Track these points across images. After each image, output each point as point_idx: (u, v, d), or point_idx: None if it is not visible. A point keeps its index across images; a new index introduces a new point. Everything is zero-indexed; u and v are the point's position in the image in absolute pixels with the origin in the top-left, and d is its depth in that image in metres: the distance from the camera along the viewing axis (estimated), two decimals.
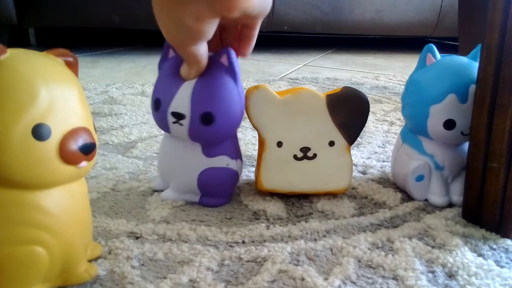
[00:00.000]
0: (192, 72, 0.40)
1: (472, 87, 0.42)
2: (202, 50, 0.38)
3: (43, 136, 0.27)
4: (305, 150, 0.46)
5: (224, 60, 0.40)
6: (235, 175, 0.45)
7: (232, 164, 0.45)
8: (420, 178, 0.47)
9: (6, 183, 0.27)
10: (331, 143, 0.46)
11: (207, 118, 0.40)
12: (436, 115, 0.44)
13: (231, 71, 0.40)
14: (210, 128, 0.40)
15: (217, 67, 0.40)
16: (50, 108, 0.27)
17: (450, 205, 0.47)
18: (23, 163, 0.26)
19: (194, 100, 0.40)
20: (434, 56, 0.46)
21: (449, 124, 0.44)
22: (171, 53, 0.42)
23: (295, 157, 0.46)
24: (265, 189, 0.47)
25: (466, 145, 0.44)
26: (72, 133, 0.28)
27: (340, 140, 0.46)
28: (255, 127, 0.46)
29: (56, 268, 0.30)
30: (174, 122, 0.41)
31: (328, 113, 0.45)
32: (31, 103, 0.27)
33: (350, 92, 0.45)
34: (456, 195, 0.47)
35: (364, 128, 0.73)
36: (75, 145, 0.28)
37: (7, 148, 0.26)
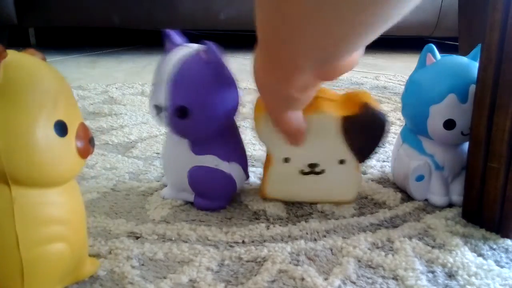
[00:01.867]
0: (295, 142, 0.40)
1: (472, 87, 0.42)
2: (297, 117, 0.37)
3: (63, 132, 0.28)
4: (313, 166, 0.44)
5: (204, 54, 0.40)
6: (228, 178, 0.44)
7: (222, 165, 0.43)
8: (420, 178, 0.47)
9: (33, 182, 0.27)
10: (342, 162, 0.44)
11: (182, 112, 0.40)
12: (436, 115, 0.44)
13: (214, 68, 0.40)
14: (186, 122, 0.40)
15: (197, 61, 0.40)
16: (62, 105, 0.28)
17: (450, 205, 0.47)
18: (50, 160, 0.27)
19: (170, 94, 0.40)
20: (434, 56, 0.46)
21: (449, 124, 0.44)
22: (169, 46, 0.43)
23: (302, 171, 0.44)
24: (269, 197, 0.47)
25: (466, 145, 0.44)
26: (81, 128, 0.29)
27: (351, 159, 0.44)
28: (263, 143, 0.45)
29: (72, 264, 0.31)
30: (156, 115, 0.42)
31: (343, 135, 0.42)
32: (48, 100, 0.27)
33: (369, 116, 0.41)
34: (456, 195, 0.47)
35: None
36: (86, 139, 0.29)
37: (35, 147, 0.26)
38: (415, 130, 0.48)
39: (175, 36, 0.43)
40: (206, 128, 0.41)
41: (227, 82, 0.41)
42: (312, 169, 0.44)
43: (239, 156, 0.45)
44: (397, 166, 0.50)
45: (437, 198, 0.47)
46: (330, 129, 0.42)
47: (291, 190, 0.46)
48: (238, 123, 0.47)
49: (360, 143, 0.42)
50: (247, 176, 0.48)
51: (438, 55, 0.46)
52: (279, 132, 0.38)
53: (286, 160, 0.44)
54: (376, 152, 0.43)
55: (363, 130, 0.42)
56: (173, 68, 0.40)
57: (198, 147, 0.43)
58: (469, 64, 0.44)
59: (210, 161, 0.43)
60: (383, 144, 0.44)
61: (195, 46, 0.42)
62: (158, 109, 0.41)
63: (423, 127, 0.46)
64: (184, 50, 0.41)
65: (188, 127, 0.41)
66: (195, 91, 0.40)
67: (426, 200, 0.48)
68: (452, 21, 1.38)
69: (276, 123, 0.37)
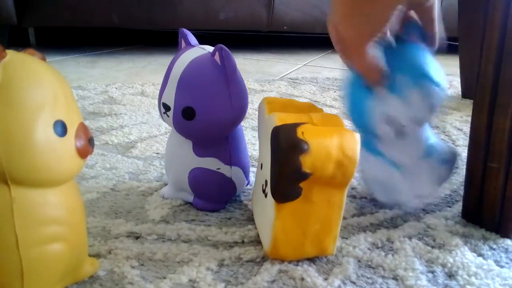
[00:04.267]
0: (371, 79, 0.41)
1: (399, 77, 0.40)
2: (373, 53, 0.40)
3: (63, 132, 0.27)
4: (266, 184, 0.36)
5: (216, 57, 0.40)
6: (229, 181, 0.44)
7: (224, 169, 0.43)
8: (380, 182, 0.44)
9: (32, 183, 0.27)
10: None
11: (188, 113, 0.40)
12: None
13: (223, 71, 0.39)
14: (192, 123, 0.40)
15: (209, 64, 0.40)
16: (61, 105, 0.28)
17: (450, 205, 0.47)
18: (50, 160, 0.27)
19: (178, 93, 0.40)
20: None
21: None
22: (183, 45, 0.43)
23: (262, 187, 0.38)
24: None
25: (412, 136, 0.42)
26: (80, 128, 0.29)
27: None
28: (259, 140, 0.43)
29: (72, 264, 0.31)
30: (164, 113, 0.42)
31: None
32: (48, 100, 0.27)
33: (275, 130, 0.33)
34: (423, 189, 0.43)
35: None
36: (85, 139, 0.29)
37: (34, 147, 0.26)
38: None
39: (191, 36, 0.43)
40: (211, 131, 0.41)
41: (236, 86, 0.41)
42: (264, 188, 0.37)
43: (242, 160, 0.45)
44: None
45: (405, 198, 0.44)
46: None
47: (255, 205, 0.41)
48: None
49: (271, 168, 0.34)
50: (248, 182, 0.48)
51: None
52: (358, 67, 0.40)
53: (261, 166, 0.39)
54: (278, 183, 0.33)
55: (272, 152, 0.34)
56: (184, 69, 0.40)
57: (201, 149, 0.43)
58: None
59: (212, 163, 0.43)
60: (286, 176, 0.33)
61: (208, 48, 0.42)
62: (166, 107, 0.41)
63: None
64: (196, 51, 0.41)
65: (193, 129, 0.41)
66: (203, 93, 0.40)
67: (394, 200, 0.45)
68: (452, 21, 1.38)
69: (356, 57, 0.40)
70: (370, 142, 0.44)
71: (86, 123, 0.31)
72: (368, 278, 0.35)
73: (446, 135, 0.71)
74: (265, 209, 0.37)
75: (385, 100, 0.40)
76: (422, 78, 0.40)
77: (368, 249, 0.39)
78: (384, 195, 0.45)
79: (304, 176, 0.32)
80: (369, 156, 0.44)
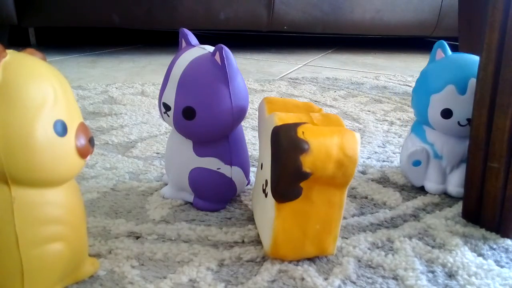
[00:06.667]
0: None
1: (472, 81, 0.44)
2: None
3: (63, 132, 0.27)
4: (266, 184, 0.36)
5: (217, 57, 0.39)
6: (229, 181, 0.44)
7: (224, 169, 0.43)
8: (416, 163, 0.49)
9: (32, 182, 0.27)
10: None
11: (188, 113, 0.40)
12: (435, 104, 0.46)
13: (223, 70, 0.39)
14: (192, 123, 0.40)
15: (209, 64, 0.40)
16: (62, 104, 0.28)
17: (450, 205, 0.48)
18: (50, 160, 0.27)
19: (178, 93, 0.40)
20: (445, 51, 0.48)
21: (446, 113, 0.46)
22: (183, 44, 0.43)
23: (262, 186, 0.38)
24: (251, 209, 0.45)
25: (467, 139, 0.45)
26: (81, 128, 0.29)
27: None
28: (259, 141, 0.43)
29: (72, 264, 0.31)
30: (164, 112, 0.42)
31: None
32: (47, 100, 0.27)
33: (275, 130, 0.33)
34: (453, 186, 0.49)
35: (364, 128, 0.73)
36: (85, 138, 0.29)
37: (34, 147, 0.26)
38: (419, 119, 0.50)
39: (191, 36, 0.43)
40: (211, 130, 0.41)
41: (236, 86, 0.41)
42: (264, 187, 0.37)
43: (242, 160, 0.45)
44: (403, 153, 0.52)
45: (432, 185, 0.49)
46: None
47: (255, 206, 0.41)
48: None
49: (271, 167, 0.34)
50: (248, 182, 0.48)
51: (449, 51, 0.48)
52: None
53: (261, 166, 0.39)
54: (277, 184, 0.33)
55: (273, 152, 0.34)
56: (184, 68, 0.40)
57: (201, 148, 0.43)
58: (474, 60, 0.45)
59: (213, 163, 0.43)
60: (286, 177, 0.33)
61: (208, 48, 0.42)
62: (166, 106, 0.41)
63: (425, 116, 0.48)
64: (197, 51, 0.41)
65: (194, 129, 0.41)
66: (203, 93, 0.40)
67: (423, 188, 0.51)
68: (452, 21, 1.38)
69: None
70: (423, 132, 0.50)
71: (86, 123, 0.31)
72: (368, 278, 0.35)
73: None
74: (265, 209, 0.37)
75: (449, 97, 0.45)
76: None
77: (368, 249, 0.39)
78: (415, 176, 0.50)
79: (305, 176, 0.32)
80: (417, 141, 0.50)
